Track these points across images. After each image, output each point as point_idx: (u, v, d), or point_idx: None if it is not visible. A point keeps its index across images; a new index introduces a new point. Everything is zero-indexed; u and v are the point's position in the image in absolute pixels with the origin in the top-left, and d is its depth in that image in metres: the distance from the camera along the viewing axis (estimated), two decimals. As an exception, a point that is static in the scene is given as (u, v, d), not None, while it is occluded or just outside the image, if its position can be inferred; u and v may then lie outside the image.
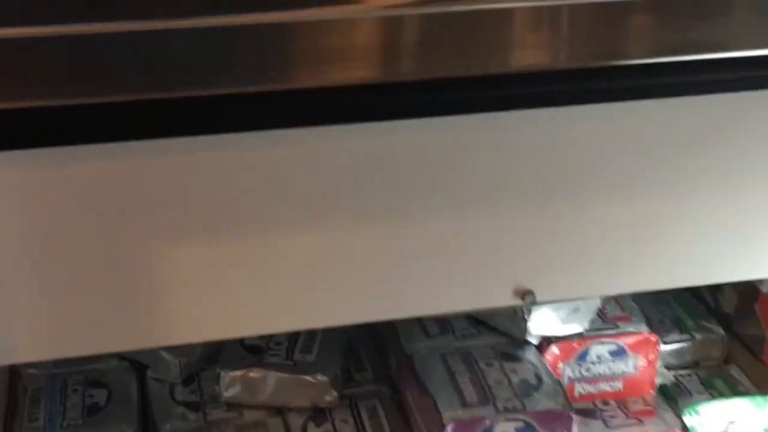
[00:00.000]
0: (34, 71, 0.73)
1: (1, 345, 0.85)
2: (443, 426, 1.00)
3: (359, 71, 0.79)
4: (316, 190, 0.86)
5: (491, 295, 0.95)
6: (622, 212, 0.93)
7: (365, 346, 1.21)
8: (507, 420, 1.01)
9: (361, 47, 0.79)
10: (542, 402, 1.03)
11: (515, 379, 1.06)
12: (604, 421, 1.12)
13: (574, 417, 1.03)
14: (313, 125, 0.83)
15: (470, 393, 1.03)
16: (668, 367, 1.22)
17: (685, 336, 1.24)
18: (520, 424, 1.01)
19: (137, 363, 1.17)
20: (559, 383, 1.06)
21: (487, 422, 1.01)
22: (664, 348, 1.21)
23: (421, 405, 1.06)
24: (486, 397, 1.03)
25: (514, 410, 1.02)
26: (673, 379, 1.20)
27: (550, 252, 0.94)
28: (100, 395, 1.12)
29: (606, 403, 1.15)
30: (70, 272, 0.84)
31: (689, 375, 1.21)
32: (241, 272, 0.88)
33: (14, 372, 1.16)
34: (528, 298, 0.95)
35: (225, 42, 0.75)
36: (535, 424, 1.02)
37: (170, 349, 1.14)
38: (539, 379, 1.06)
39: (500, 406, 1.02)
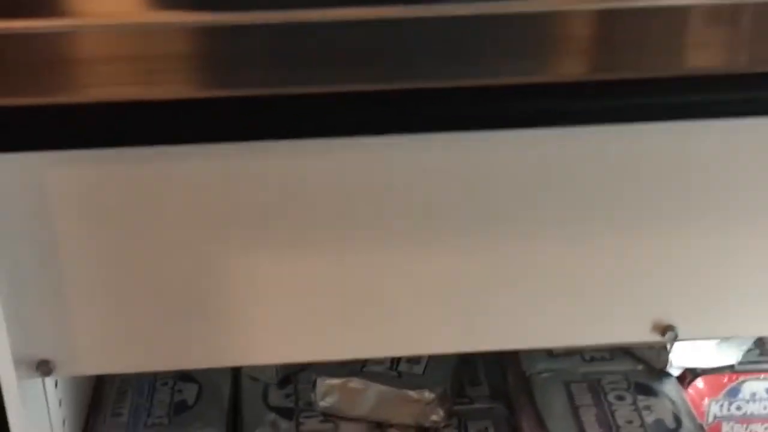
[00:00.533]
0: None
1: (68, 356, 0.78)
2: (558, 470, 0.86)
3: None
4: (427, 203, 0.74)
5: (627, 330, 0.81)
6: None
7: (483, 357, 1.08)
8: (635, 469, 0.87)
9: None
10: (679, 450, 0.88)
11: (649, 419, 0.91)
12: (754, 469, 0.96)
13: (714, 468, 0.88)
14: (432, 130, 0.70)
15: (594, 432, 0.89)
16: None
17: None
18: (650, 475, 0.87)
19: (234, 357, 1.08)
20: (701, 428, 0.90)
21: (611, 470, 0.86)
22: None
23: (537, 440, 0.92)
24: (612, 438, 0.89)
25: (646, 459, 0.87)
26: (843, 420, 1.02)
27: (696, 283, 0.80)
28: (189, 391, 1.03)
29: (759, 447, 0.98)
30: (145, 286, 0.76)
31: None
32: (328, 291, 0.77)
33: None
34: (669, 335, 0.80)
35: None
36: (667, 476, 0.87)
37: (267, 347, 1.05)
38: (677, 420, 0.91)
39: (629, 452, 0.88)
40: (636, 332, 0.81)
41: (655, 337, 0.81)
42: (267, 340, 0.79)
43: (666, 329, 0.81)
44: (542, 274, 0.79)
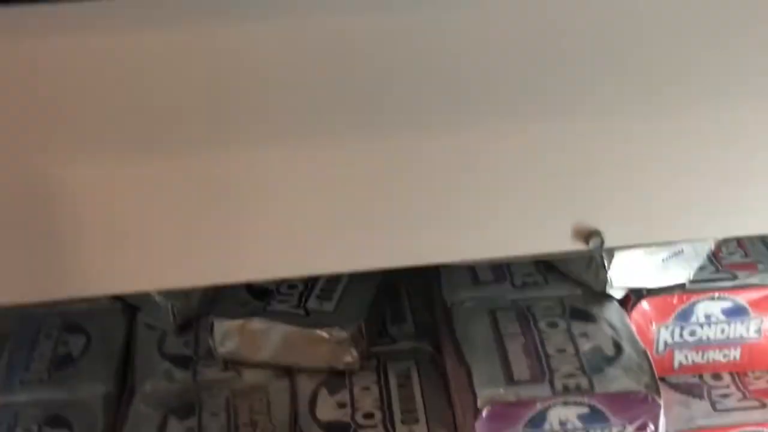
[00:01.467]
0: None
1: None
2: (477, 410, 0.74)
3: None
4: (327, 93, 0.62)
5: (545, 237, 0.68)
6: (725, 125, 0.65)
7: (409, 290, 0.96)
8: (566, 404, 0.74)
9: None
10: (618, 380, 0.76)
11: (585, 347, 0.79)
12: (712, 402, 0.84)
13: (663, 393, 0.75)
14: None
15: (521, 365, 0.77)
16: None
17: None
18: (584, 410, 0.75)
19: (131, 306, 0.96)
20: (645, 355, 0.78)
21: (539, 406, 0.74)
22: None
23: (456, 377, 0.80)
24: (542, 371, 0.76)
25: (578, 391, 0.75)
26: (816, 346, 0.89)
27: (624, 181, 0.67)
28: (75, 343, 0.92)
29: (717, 377, 0.86)
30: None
31: (840, 341, 0.90)
32: (232, 199, 0.66)
33: (-16, 311, 0.96)
34: (594, 241, 0.67)
35: None
36: (604, 410, 0.75)
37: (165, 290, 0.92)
38: (618, 347, 0.79)
39: (559, 384, 0.75)
40: (556, 240, 0.69)
41: (578, 245, 0.69)
42: (173, 262, 0.67)
43: (590, 235, 0.68)
44: (445, 172, 0.67)
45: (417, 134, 0.65)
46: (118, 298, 0.96)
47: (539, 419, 0.74)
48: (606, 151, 0.67)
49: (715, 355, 0.85)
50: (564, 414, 0.75)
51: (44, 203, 0.65)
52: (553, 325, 0.81)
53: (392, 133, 0.65)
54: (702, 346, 0.84)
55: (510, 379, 0.76)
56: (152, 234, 0.66)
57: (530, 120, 0.66)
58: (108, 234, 0.66)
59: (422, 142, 0.66)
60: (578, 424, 0.75)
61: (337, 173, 0.66)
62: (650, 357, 0.78)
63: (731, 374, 0.86)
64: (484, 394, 0.75)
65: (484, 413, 0.74)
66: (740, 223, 0.70)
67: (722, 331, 0.84)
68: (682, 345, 0.84)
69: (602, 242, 0.68)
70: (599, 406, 0.74)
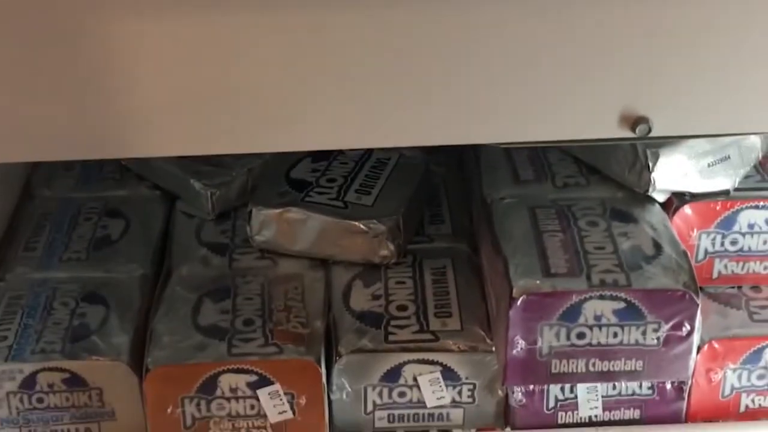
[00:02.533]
0: None
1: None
2: (512, 299, 0.73)
3: None
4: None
5: (591, 122, 0.67)
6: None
7: (448, 193, 0.95)
8: (602, 298, 0.74)
9: None
10: (656, 278, 0.75)
11: (624, 246, 0.78)
12: (750, 313, 0.83)
13: (701, 301, 0.74)
14: None
15: (558, 259, 0.77)
16: None
17: None
18: (620, 305, 0.74)
19: (170, 194, 0.96)
20: (685, 255, 0.77)
21: (574, 298, 0.74)
22: None
23: (493, 269, 0.80)
24: (579, 266, 0.76)
25: (615, 286, 0.74)
26: None
27: (676, 67, 0.66)
28: (115, 227, 0.92)
29: (757, 289, 0.85)
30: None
31: None
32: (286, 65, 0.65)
33: (26, 193, 0.97)
34: (641, 128, 0.66)
35: None
36: (641, 306, 0.74)
37: (202, 179, 0.93)
38: (658, 247, 0.78)
39: (596, 279, 0.75)
40: (602, 126, 0.68)
41: (625, 132, 0.68)
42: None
43: (637, 122, 0.68)
44: (493, 55, 0.66)
45: (459, 10, 0.64)
46: (157, 187, 0.97)
47: (574, 312, 0.74)
48: (656, 35, 0.66)
49: (756, 267, 0.84)
50: (599, 308, 0.74)
51: (95, 59, 0.65)
52: (593, 224, 0.80)
53: (434, 7, 0.65)
54: (743, 256, 0.83)
55: (547, 272, 0.75)
56: (204, 97, 0.66)
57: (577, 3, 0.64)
58: (159, 94, 0.66)
59: (466, 19, 0.65)
60: (613, 318, 0.74)
61: (380, 46, 0.66)
62: (690, 260, 0.77)
63: (771, 287, 0.85)
64: (519, 284, 0.74)
65: (519, 302, 0.73)
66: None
67: (765, 242, 0.83)
68: (723, 254, 0.83)
69: (649, 130, 0.67)
70: (635, 301, 0.74)
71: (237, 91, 0.67)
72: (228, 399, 0.78)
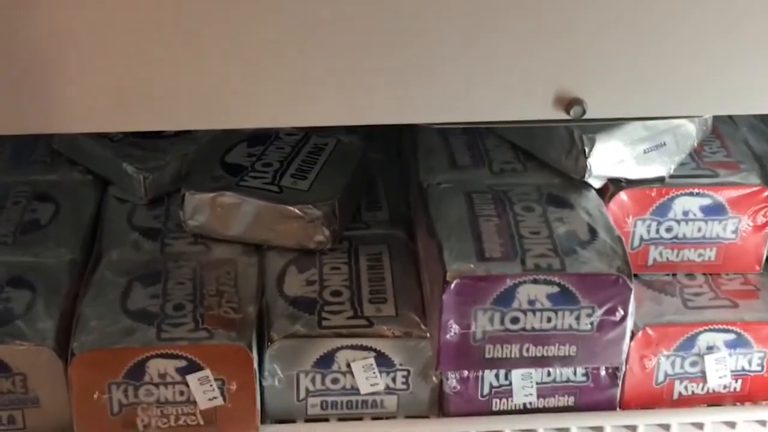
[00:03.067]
0: None
1: None
2: (446, 282, 0.73)
3: None
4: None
5: (525, 104, 0.67)
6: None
7: (386, 181, 0.94)
8: (536, 282, 0.73)
9: None
10: (590, 262, 0.75)
11: (559, 230, 0.77)
12: (684, 300, 0.83)
13: (635, 288, 0.74)
14: None
15: (493, 243, 0.76)
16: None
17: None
18: (554, 290, 0.74)
19: (103, 179, 0.94)
20: (620, 240, 0.77)
21: (508, 282, 0.73)
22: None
23: (427, 253, 0.79)
24: (513, 250, 0.75)
25: (549, 270, 0.74)
26: (795, 256, 0.89)
27: (610, 46, 0.65)
28: (44, 211, 0.90)
29: (691, 276, 0.85)
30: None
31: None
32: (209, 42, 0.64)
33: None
34: (575, 110, 0.66)
35: None
36: (573, 289, 0.74)
37: (135, 163, 0.91)
38: (593, 233, 0.77)
39: (530, 263, 0.74)
40: (535, 107, 0.67)
41: (558, 114, 0.67)
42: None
43: (571, 103, 0.67)
44: (426, 34, 0.65)
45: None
46: (90, 172, 0.95)
47: (508, 296, 0.73)
48: (589, 16, 0.65)
49: (690, 254, 0.84)
50: (534, 292, 0.74)
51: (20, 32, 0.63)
52: (528, 209, 0.80)
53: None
54: (677, 244, 0.83)
55: (481, 256, 0.75)
56: (136, 71, 0.65)
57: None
58: (88, 68, 0.64)
59: (412, 13, 0.64)
60: (547, 303, 0.74)
61: (308, 23, 0.65)
62: (625, 245, 0.77)
63: (704, 274, 0.85)
64: (453, 267, 0.74)
65: (453, 286, 0.73)
66: (723, 101, 0.69)
67: (699, 229, 0.83)
68: (658, 241, 0.83)
69: (583, 111, 0.67)
70: (569, 285, 0.73)
71: (159, 66, 0.65)
72: (156, 385, 0.76)
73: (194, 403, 0.77)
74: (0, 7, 0.62)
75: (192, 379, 0.76)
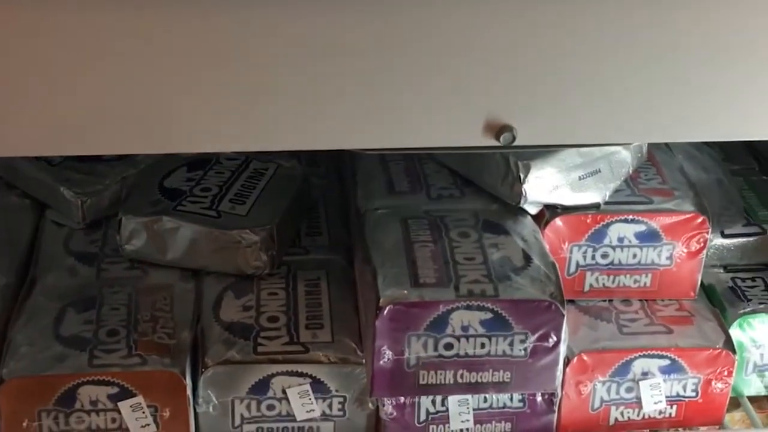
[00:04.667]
0: None
1: None
2: (379, 308, 0.73)
3: None
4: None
5: (456, 130, 0.67)
6: (641, 22, 0.64)
7: (327, 206, 0.94)
8: (470, 308, 0.74)
9: None
10: (523, 289, 0.75)
11: (494, 257, 0.78)
12: (619, 326, 0.83)
13: (571, 314, 0.75)
14: None
15: (427, 269, 0.76)
16: (725, 268, 0.91)
17: (753, 229, 0.93)
18: (487, 316, 0.74)
19: (40, 203, 0.93)
20: (553, 266, 0.77)
21: (441, 308, 0.73)
22: (722, 242, 0.91)
23: (363, 279, 0.79)
24: (447, 276, 0.76)
25: (482, 296, 0.74)
26: (728, 282, 0.90)
27: (541, 75, 0.66)
28: (-22, 236, 0.89)
29: (627, 302, 0.85)
30: None
31: (752, 279, 0.90)
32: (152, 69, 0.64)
33: None
34: (505, 136, 0.66)
35: None
36: (507, 316, 0.74)
37: (73, 187, 0.90)
38: (527, 259, 0.78)
39: (464, 289, 0.74)
40: (466, 134, 0.68)
41: (489, 140, 0.68)
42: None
43: (501, 130, 0.68)
44: (360, 60, 0.65)
45: (327, 14, 0.64)
46: (27, 196, 0.94)
47: (441, 322, 0.73)
48: (519, 44, 0.66)
49: (626, 280, 0.84)
50: (467, 318, 0.74)
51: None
52: (464, 235, 0.80)
53: (302, 12, 0.64)
54: (613, 270, 0.84)
55: (415, 282, 0.75)
56: (74, 94, 0.64)
57: (444, 5, 0.64)
58: (24, 91, 0.64)
59: (331, 22, 0.64)
60: (481, 329, 0.74)
61: (247, 50, 0.65)
62: (558, 271, 0.77)
63: (640, 301, 0.86)
64: (387, 293, 0.73)
65: (386, 312, 0.73)
66: (650, 129, 0.69)
67: (634, 255, 0.84)
68: (594, 267, 0.84)
69: (513, 138, 0.68)
70: (502, 312, 0.74)
71: (98, 90, 0.65)
72: (88, 412, 0.76)
73: (127, 430, 0.76)
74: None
75: (124, 406, 0.75)
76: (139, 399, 0.75)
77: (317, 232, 0.91)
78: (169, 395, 0.76)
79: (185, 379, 0.76)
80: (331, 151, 0.96)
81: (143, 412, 0.76)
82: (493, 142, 0.68)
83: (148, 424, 0.76)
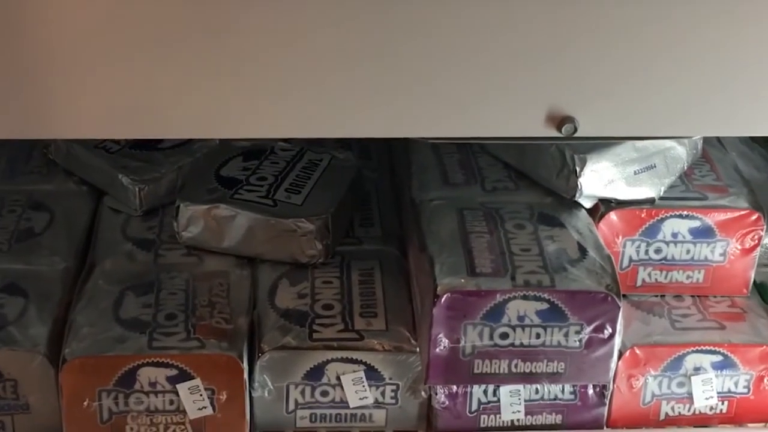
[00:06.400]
0: None
1: None
2: (436, 296, 0.73)
3: None
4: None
5: (517, 121, 0.68)
6: (703, 16, 0.65)
7: (379, 198, 0.95)
8: (526, 298, 0.74)
9: None
10: (579, 280, 0.75)
11: (550, 248, 0.78)
12: (672, 321, 0.83)
13: (623, 307, 0.75)
14: None
15: (483, 259, 0.77)
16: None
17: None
18: (543, 306, 0.74)
19: (98, 190, 0.95)
20: (609, 259, 0.78)
21: (498, 298, 0.74)
22: (775, 238, 0.91)
23: (418, 268, 0.80)
24: (503, 266, 0.76)
25: (538, 286, 0.74)
26: (781, 280, 0.90)
27: (603, 68, 0.66)
28: (39, 220, 0.91)
29: (679, 298, 0.86)
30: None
31: (805, 278, 0.90)
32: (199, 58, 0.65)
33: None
34: (567, 127, 0.67)
35: None
36: (563, 306, 0.74)
37: (131, 174, 0.92)
38: (582, 251, 0.78)
39: (520, 279, 0.75)
40: (527, 124, 0.68)
41: (550, 131, 0.68)
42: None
43: (563, 122, 0.68)
44: (423, 51, 0.66)
45: (390, 7, 0.65)
46: (85, 182, 0.95)
47: (498, 311, 0.74)
48: (583, 36, 0.66)
49: (679, 276, 0.85)
50: (523, 308, 0.74)
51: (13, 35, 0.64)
52: (520, 226, 0.81)
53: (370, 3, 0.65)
54: (666, 265, 0.84)
55: (472, 271, 0.75)
56: (133, 77, 0.66)
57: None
58: (85, 74, 0.65)
59: (395, 15, 0.65)
60: (536, 319, 0.74)
61: (308, 40, 0.66)
62: (614, 264, 0.78)
63: (693, 296, 0.86)
64: (444, 282, 0.74)
65: (443, 300, 0.73)
66: (712, 123, 0.70)
67: (687, 251, 0.84)
68: (647, 262, 0.84)
69: (575, 129, 0.68)
70: (558, 302, 0.74)
71: (156, 74, 0.66)
72: (147, 393, 0.77)
73: (184, 412, 0.77)
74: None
75: (182, 388, 0.76)
76: (197, 381, 0.76)
77: (370, 224, 0.92)
78: (227, 379, 0.77)
79: (242, 363, 0.77)
80: (384, 143, 0.98)
81: (200, 395, 0.77)
82: (555, 133, 0.68)
83: (205, 407, 0.77)
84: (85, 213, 0.93)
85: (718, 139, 0.92)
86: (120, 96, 0.66)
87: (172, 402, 0.77)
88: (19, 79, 0.65)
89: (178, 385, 0.76)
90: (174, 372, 0.76)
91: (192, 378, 0.76)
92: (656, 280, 0.85)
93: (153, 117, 0.67)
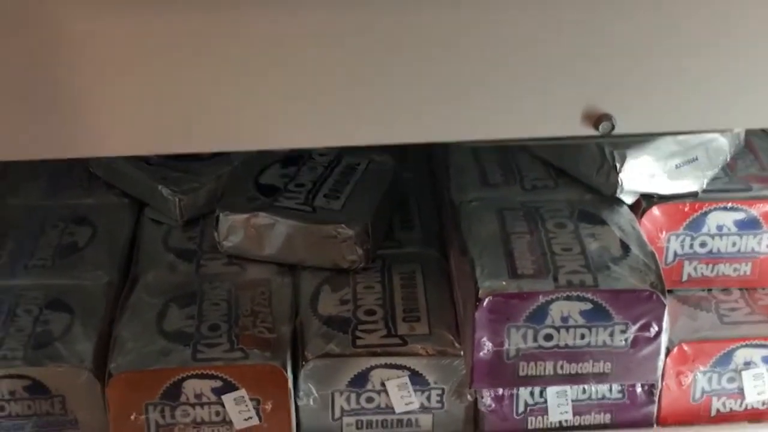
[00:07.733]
0: None
1: None
2: (478, 300, 0.73)
3: None
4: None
5: (554, 120, 0.67)
6: (738, 8, 0.63)
7: (418, 200, 0.95)
8: (569, 299, 0.73)
9: None
10: (623, 278, 0.74)
11: (592, 247, 0.77)
12: (719, 315, 0.82)
13: (669, 303, 0.74)
14: None
15: (525, 261, 0.76)
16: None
17: None
18: (587, 306, 0.73)
19: (139, 202, 0.96)
20: (653, 256, 0.77)
21: (541, 299, 0.73)
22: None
23: (460, 271, 0.79)
24: (545, 266, 0.75)
25: (581, 286, 0.73)
26: (830, 269, 0.88)
27: (639, 63, 0.65)
28: (81, 234, 0.92)
29: (726, 291, 0.84)
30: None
31: None
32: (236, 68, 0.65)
33: (-7, 201, 0.97)
34: (604, 125, 0.67)
35: None
36: (607, 306, 0.73)
37: (171, 185, 0.92)
38: (625, 248, 0.77)
39: (563, 279, 0.74)
40: (564, 123, 0.68)
41: (587, 130, 0.67)
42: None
43: (600, 119, 0.67)
44: (458, 54, 0.65)
45: (423, 9, 0.64)
46: (126, 195, 0.96)
47: (541, 313, 0.73)
48: (617, 33, 0.65)
49: (725, 269, 0.83)
50: (566, 309, 0.73)
51: (54, 57, 0.64)
52: (560, 225, 0.80)
53: (400, 6, 0.64)
54: (712, 258, 0.83)
55: (513, 273, 0.75)
56: (170, 94, 0.66)
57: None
58: (116, 94, 0.66)
59: (430, 18, 0.65)
60: (581, 320, 0.74)
61: (344, 45, 0.65)
62: (658, 260, 0.77)
63: (740, 289, 0.84)
64: (486, 284, 0.74)
65: (485, 303, 0.73)
66: (751, 114, 0.68)
67: (734, 244, 0.82)
68: (692, 256, 0.83)
69: (612, 127, 0.67)
70: (602, 302, 0.73)
71: (193, 89, 0.66)
72: (192, 405, 0.77)
73: (230, 423, 0.77)
74: (36, 33, 0.64)
75: (228, 399, 0.77)
76: (242, 392, 0.77)
77: (409, 226, 0.92)
78: (271, 388, 0.77)
79: (287, 372, 0.77)
80: (422, 145, 0.97)
81: (246, 405, 0.77)
82: (592, 131, 0.67)
83: (251, 417, 0.77)
84: (126, 225, 0.93)
85: (762, 128, 0.90)
86: (159, 112, 0.66)
87: (218, 413, 0.77)
88: (58, 99, 0.65)
89: (223, 397, 0.77)
90: (219, 383, 0.76)
91: (237, 389, 0.76)
92: (702, 274, 0.83)
93: (194, 131, 0.67)
